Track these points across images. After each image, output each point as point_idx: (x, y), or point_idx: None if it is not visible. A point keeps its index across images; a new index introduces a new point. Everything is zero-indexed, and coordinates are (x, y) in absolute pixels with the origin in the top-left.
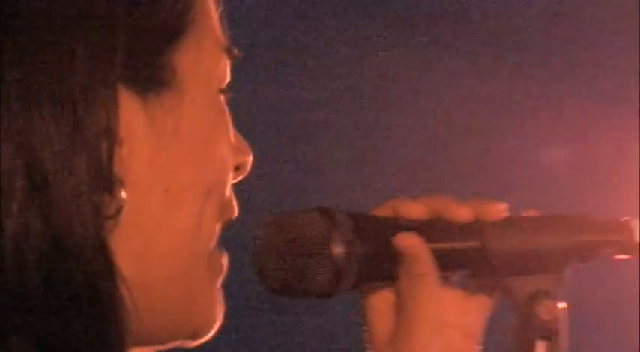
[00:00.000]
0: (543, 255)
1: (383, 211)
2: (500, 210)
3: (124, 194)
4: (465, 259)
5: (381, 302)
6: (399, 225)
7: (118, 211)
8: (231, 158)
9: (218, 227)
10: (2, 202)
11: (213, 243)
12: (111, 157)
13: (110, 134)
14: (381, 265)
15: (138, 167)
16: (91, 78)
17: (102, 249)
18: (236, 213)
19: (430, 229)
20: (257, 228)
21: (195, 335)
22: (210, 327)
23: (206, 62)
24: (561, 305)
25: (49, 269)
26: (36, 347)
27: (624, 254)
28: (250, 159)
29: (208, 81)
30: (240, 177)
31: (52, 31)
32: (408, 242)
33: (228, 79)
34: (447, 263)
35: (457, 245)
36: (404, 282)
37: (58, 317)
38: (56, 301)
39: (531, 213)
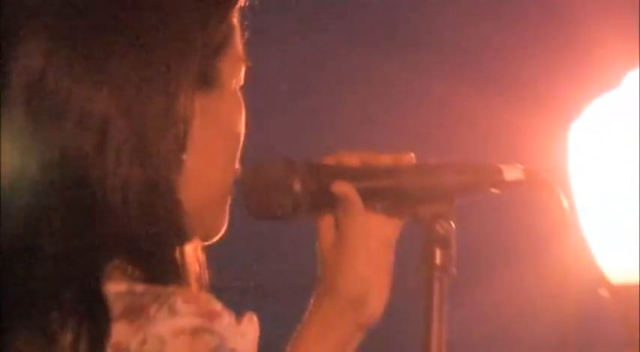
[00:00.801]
0: (439, 189)
1: (330, 160)
2: (410, 158)
3: (184, 156)
4: (385, 193)
5: (327, 223)
6: (341, 170)
7: (181, 166)
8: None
9: (235, 173)
10: (115, 158)
11: (231, 182)
12: (186, 132)
13: (186, 117)
14: (327, 199)
15: (192, 138)
16: (177, 79)
17: (173, 189)
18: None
19: (361, 173)
20: (242, 171)
21: (209, 237)
22: (220, 230)
23: (235, 68)
24: (452, 224)
25: (145, 201)
26: (134, 261)
27: (496, 189)
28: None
29: (234, 81)
30: None
31: (156, 47)
32: (341, 188)
33: (242, 80)
34: (372, 196)
35: (380, 183)
36: (339, 213)
37: (150, 234)
38: (148, 223)
39: (432, 160)
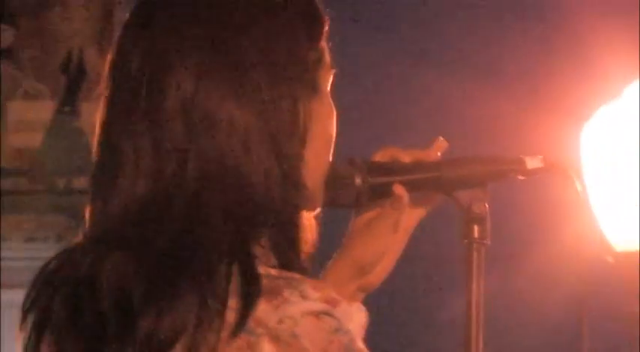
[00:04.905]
0: (474, 177)
1: (384, 155)
2: (443, 142)
3: (305, 151)
4: (430, 183)
5: (372, 209)
6: (395, 168)
7: (303, 158)
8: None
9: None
10: (257, 156)
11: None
12: (306, 131)
13: (305, 119)
14: (381, 192)
15: (307, 129)
16: (298, 90)
17: (300, 176)
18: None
19: (411, 167)
20: None
21: (315, 209)
22: (320, 205)
23: (328, 75)
24: (486, 205)
25: (282, 188)
26: (274, 241)
27: (522, 176)
28: None
29: (327, 86)
30: None
31: (281, 66)
32: (399, 190)
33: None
34: (418, 186)
35: (425, 176)
36: (389, 205)
37: (287, 209)
38: (286, 203)
39: (468, 155)
